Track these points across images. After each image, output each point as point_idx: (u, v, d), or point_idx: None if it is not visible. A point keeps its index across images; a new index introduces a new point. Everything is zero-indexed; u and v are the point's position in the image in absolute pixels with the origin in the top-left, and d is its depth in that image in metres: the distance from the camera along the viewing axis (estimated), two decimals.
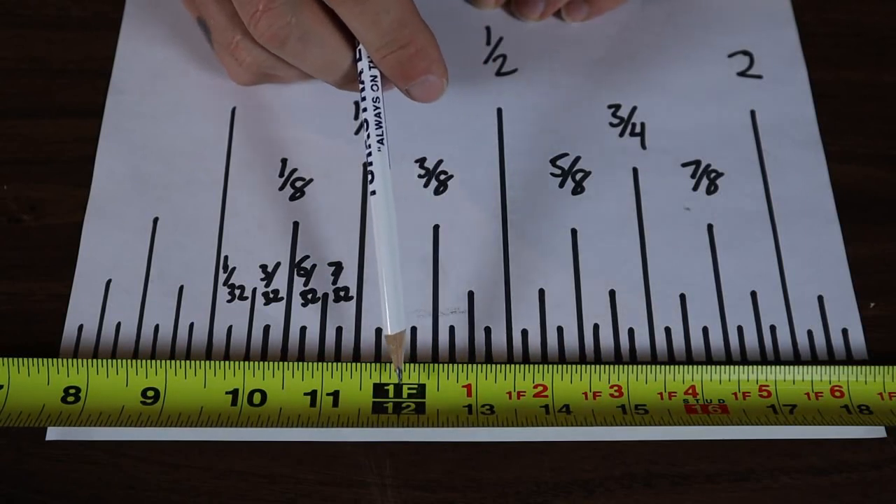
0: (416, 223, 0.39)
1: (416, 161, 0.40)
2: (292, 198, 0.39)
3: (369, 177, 0.34)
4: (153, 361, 0.34)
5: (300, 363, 0.35)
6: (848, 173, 0.40)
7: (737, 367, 0.35)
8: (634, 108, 0.42)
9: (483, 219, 0.39)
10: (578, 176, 0.40)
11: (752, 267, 0.38)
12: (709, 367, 0.35)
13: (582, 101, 0.42)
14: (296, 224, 0.39)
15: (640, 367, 0.35)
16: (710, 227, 0.39)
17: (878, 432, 0.34)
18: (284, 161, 0.40)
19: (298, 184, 0.40)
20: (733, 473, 0.34)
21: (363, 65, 0.35)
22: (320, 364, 0.35)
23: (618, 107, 0.42)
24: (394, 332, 0.34)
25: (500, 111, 0.42)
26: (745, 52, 0.43)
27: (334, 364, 0.35)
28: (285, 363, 0.35)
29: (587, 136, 0.41)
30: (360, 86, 0.35)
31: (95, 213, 0.39)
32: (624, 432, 0.34)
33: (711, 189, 0.40)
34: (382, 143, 0.35)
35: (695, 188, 0.40)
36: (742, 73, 0.43)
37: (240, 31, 0.36)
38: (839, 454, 0.34)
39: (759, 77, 0.43)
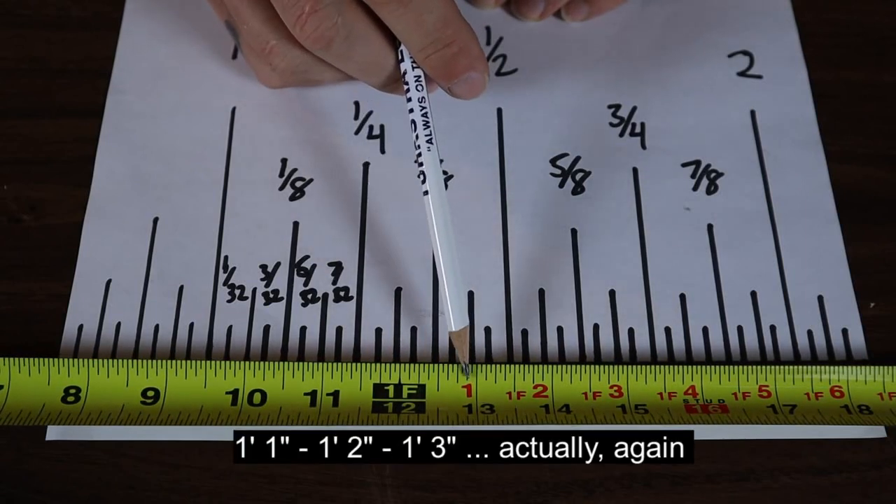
0: (416, 223, 0.39)
1: (417, 161, 0.40)
2: (292, 198, 0.39)
3: (421, 177, 0.35)
4: (153, 361, 0.34)
5: (300, 363, 0.35)
6: (848, 173, 0.40)
7: (737, 367, 0.35)
8: (634, 108, 0.42)
9: (483, 219, 0.39)
10: (578, 176, 0.40)
11: (752, 267, 0.38)
12: (709, 367, 0.35)
13: (582, 100, 0.42)
14: (296, 224, 0.39)
15: (640, 367, 0.35)
16: (710, 227, 0.39)
17: (878, 432, 0.34)
18: (284, 161, 0.40)
19: (298, 184, 0.40)
20: (733, 473, 0.34)
21: (406, 65, 0.35)
22: (320, 364, 0.35)
23: (618, 107, 0.42)
24: (457, 329, 0.34)
25: (500, 111, 0.42)
26: (745, 52, 0.43)
27: (334, 364, 0.35)
28: (285, 363, 0.35)
29: (587, 136, 0.41)
30: (405, 87, 0.35)
31: (95, 213, 0.39)
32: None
33: (711, 189, 0.40)
34: (431, 143, 0.35)
35: (695, 188, 0.40)
36: (742, 73, 0.43)
37: (274, 36, 0.36)
38: (839, 454, 0.34)
39: (759, 77, 0.43)
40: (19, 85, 0.42)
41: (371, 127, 0.41)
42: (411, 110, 0.35)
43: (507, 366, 0.35)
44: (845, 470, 0.34)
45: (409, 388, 0.34)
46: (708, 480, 0.34)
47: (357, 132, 0.41)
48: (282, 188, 0.40)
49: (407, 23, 0.34)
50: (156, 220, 0.39)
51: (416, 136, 0.35)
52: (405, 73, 0.36)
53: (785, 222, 0.39)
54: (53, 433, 0.34)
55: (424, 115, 0.35)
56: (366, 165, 0.40)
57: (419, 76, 0.35)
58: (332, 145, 0.41)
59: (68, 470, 0.34)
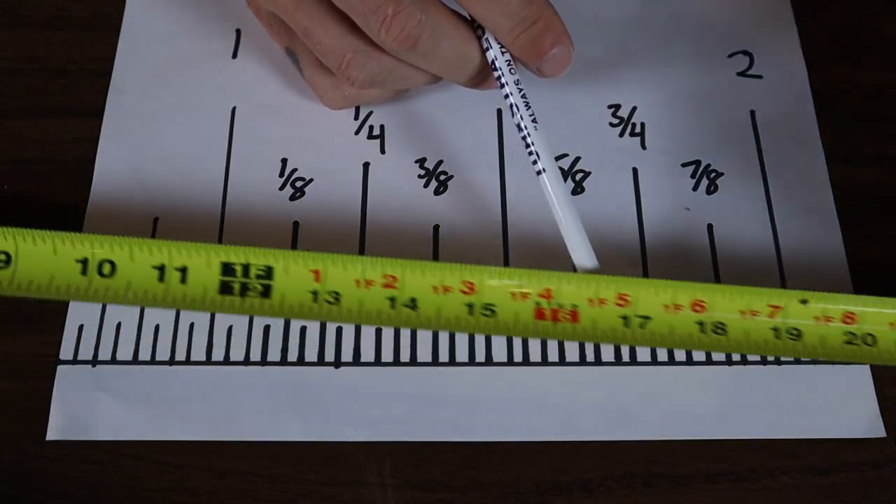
0: (416, 223, 0.39)
1: (416, 161, 0.40)
2: (292, 198, 0.39)
3: (533, 157, 0.35)
4: (2, 228, 0.34)
5: (147, 239, 0.34)
6: (848, 173, 0.40)
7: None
8: (634, 108, 0.42)
9: (483, 219, 0.39)
10: (578, 176, 0.40)
11: (752, 267, 0.38)
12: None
13: (582, 100, 0.42)
14: (296, 224, 0.39)
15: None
16: (710, 227, 0.39)
17: (878, 432, 0.34)
18: (284, 161, 0.40)
19: (298, 184, 0.40)
20: (733, 473, 0.34)
21: (495, 52, 0.35)
22: (168, 242, 0.34)
23: (618, 107, 0.42)
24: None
25: (499, 111, 0.42)
26: (745, 52, 0.43)
27: (182, 242, 0.34)
28: (132, 238, 0.34)
29: (587, 136, 0.41)
30: (497, 73, 0.35)
31: (95, 213, 0.39)
32: (624, 432, 0.34)
33: (711, 189, 0.40)
34: (536, 122, 0.35)
35: (695, 188, 0.40)
36: (742, 73, 0.43)
37: (350, 49, 0.35)
38: (839, 454, 0.34)
39: (759, 77, 0.43)
40: (19, 85, 0.42)
41: (371, 127, 0.41)
42: (508, 95, 0.35)
43: (356, 256, 0.34)
44: (845, 470, 0.34)
45: (257, 269, 0.34)
46: (708, 480, 0.34)
47: (357, 132, 0.41)
48: (282, 188, 0.40)
49: (493, 8, 0.34)
50: (156, 220, 0.39)
51: (521, 118, 0.35)
52: (494, 59, 0.35)
53: (785, 222, 0.39)
54: (53, 433, 0.34)
55: (524, 96, 0.35)
56: (366, 165, 0.40)
57: (510, 60, 0.36)
58: (332, 145, 0.41)
59: (68, 470, 0.34)
